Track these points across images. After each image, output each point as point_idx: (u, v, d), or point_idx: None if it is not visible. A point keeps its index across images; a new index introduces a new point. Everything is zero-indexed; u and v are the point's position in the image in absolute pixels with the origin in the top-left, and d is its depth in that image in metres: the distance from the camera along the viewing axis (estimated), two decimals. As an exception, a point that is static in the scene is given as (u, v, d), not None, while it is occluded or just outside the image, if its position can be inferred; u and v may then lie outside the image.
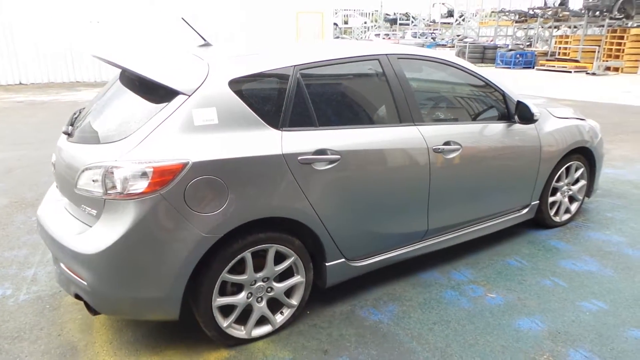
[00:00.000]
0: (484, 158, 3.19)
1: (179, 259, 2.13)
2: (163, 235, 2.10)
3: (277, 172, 2.31)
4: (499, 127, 3.27)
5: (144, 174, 2.03)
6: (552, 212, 3.88)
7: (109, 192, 2.08)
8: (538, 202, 3.72)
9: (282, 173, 2.33)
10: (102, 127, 2.37)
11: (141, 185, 2.03)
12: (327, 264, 2.63)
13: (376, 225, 2.77)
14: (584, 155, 3.94)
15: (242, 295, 2.40)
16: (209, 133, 2.18)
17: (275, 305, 2.55)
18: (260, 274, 2.41)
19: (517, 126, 3.34)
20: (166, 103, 2.18)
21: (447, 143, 2.94)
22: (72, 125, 2.59)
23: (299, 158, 2.37)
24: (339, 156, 2.48)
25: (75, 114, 2.73)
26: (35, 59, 14.33)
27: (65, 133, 2.55)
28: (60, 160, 2.50)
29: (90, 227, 2.19)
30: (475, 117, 3.32)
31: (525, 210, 3.64)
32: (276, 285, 2.50)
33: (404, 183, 2.81)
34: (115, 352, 2.44)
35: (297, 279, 2.55)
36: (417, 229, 2.99)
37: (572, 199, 4.03)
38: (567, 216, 4.02)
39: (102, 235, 2.09)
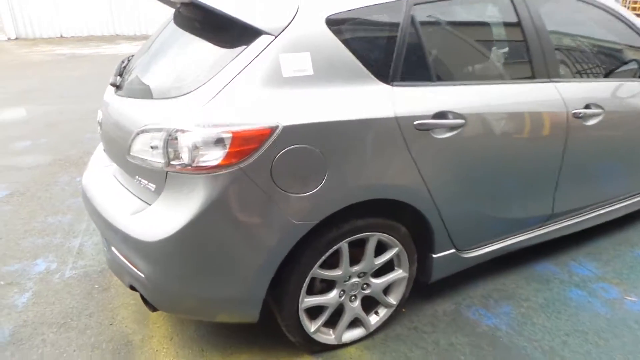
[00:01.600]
0: (627, 125, 2.50)
1: (262, 251, 1.64)
2: (243, 221, 1.60)
3: (387, 140, 1.74)
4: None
5: (219, 142, 1.51)
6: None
7: (172, 163, 1.58)
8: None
9: (393, 142, 1.76)
10: (160, 78, 1.84)
11: (216, 156, 1.52)
12: (434, 256, 2.10)
13: (496, 207, 2.19)
14: None
15: (334, 293, 1.91)
16: (302, 87, 1.62)
17: (368, 304, 2.06)
18: (356, 268, 1.90)
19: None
20: (244, 46, 1.62)
21: (587, 106, 2.28)
22: (120, 75, 2.08)
23: (416, 123, 1.78)
24: (463, 120, 1.88)
25: (123, 62, 2.21)
26: (75, 11, 13.97)
27: (114, 85, 2.04)
28: (107, 118, 2.01)
29: (149, 205, 1.71)
30: (615, 74, 2.60)
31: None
32: (374, 281, 1.99)
33: (533, 155, 2.19)
34: (177, 352, 2.03)
35: (398, 273, 2.03)
36: (540, 212, 2.39)
37: None
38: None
39: (163, 217, 1.61)
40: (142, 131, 1.67)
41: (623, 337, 2.11)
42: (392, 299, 2.08)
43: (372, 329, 2.08)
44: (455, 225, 2.06)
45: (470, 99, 1.94)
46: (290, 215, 1.62)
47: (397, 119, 1.74)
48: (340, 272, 1.86)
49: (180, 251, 1.59)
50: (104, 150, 2.18)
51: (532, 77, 2.16)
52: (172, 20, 2.06)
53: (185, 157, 1.54)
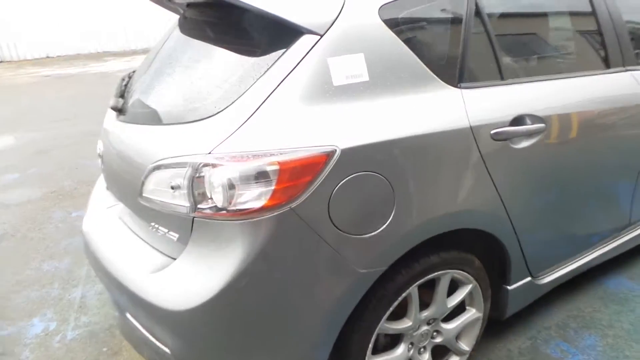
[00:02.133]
0: None
1: (322, 313, 1.29)
2: (297, 277, 1.24)
3: (461, 156, 1.41)
4: None
5: (262, 176, 1.16)
6: None
7: (200, 207, 1.23)
8: None
9: (468, 158, 1.42)
10: (172, 99, 1.49)
11: (258, 196, 1.17)
12: (509, 288, 1.76)
13: (574, 221, 1.86)
14: None
15: (402, 349, 1.55)
16: (357, 98, 1.28)
17: (436, 353, 1.71)
18: (425, 314, 1.55)
19: None
20: (280, 51, 1.28)
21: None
22: (122, 97, 1.73)
23: (493, 132, 1.45)
24: (542, 124, 1.54)
25: (124, 80, 1.86)
26: (60, 30, 13.61)
27: (115, 109, 1.69)
28: (110, 150, 1.66)
29: (172, 259, 1.36)
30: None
31: None
32: (445, 327, 1.64)
33: (616, 156, 1.87)
34: None
35: (471, 314, 1.69)
36: (617, 221, 2.07)
37: None
38: None
39: (194, 278, 1.25)
40: (158, 167, 1.32)
41: None
42: (465, 345, 1.73)
43: (445, 383, 1.73)
44: (533, 249, 1.73)
45: (548, 97, 1.61)
46: (354, 263, 1.27)
47: (472, 129, 1.40)
48: (410, 323, 1.51)
49: (218, 321, 1.24)
50: (107, 188, 1.82)
51: (606, 65, 1.84)
52: (178, 28, 1.72)
53: (217, 199, 1.19)
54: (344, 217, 1.23)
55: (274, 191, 1.16)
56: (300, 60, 1.25)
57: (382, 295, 1.38)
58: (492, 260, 1.69)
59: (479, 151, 1.42)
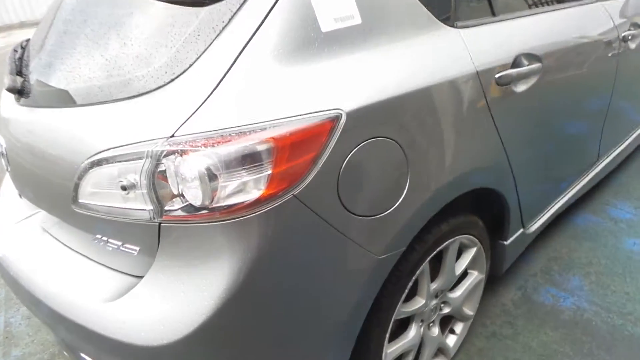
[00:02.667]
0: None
1: (341, 321, 1.06)
2: (309, 282, 0.99)
3: (469, 106, 1.21)
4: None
5: (252, 158, 0.87)
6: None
7: (167, 208, 0.92)
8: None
9: (476, 106, 1.23)
10: (100, 69, 1.10)
11: (251, 184, 0.88)
12: (506, 243, 1.65)
13: (559, 164, 1.78)
14: None
15: (414, 330, 1.38)
16: (352, 47, 1.01)
17: (442, 323, 1.57)
18: (434, 287, 1.39)
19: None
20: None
21: (634, 25, 1.92)
22: (19, 74, 1.31)
23: (497, 76, 1.26)
24: (539, 64, 1.39)
25: (16, 52, 1.41)
26: None
27: (13, 90, 1.26)
28: (17, 145, 1.24)
29: (137, 278, 1.04)
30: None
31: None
32: (452, 296, 1.50)
33: (592, 91, 1.80)
34: None
35: (474, 277, 1.56)
36: (589, 158, 2.04)
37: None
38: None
39: (174, 299, 0.95)
40: (97, 163, 0.97)
41: None
42: (469, 310, 1.60)
43: (453, 353, 1.60)
44: (528, 198, 1.62)
45: (540, 34, 1.45)
46: (372, 250, 1.05)
47: (478, 74, 1.20)
48: (423, 301, 1.34)
49: (214, 351, 0.96)
50: (20, 195, 1.41)
51: (581, -3, 1.73)
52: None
53: (192, 196, 0.89)
54: (356, 197, 0.99)
55: (271, 176, 0.88)
56: (275, 3, 0.95)
57: (397, 278, 1.18)
58: (489, 218, 1.55)
59: (485, 99, 1.24)
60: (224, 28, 0.95)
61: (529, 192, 1.60)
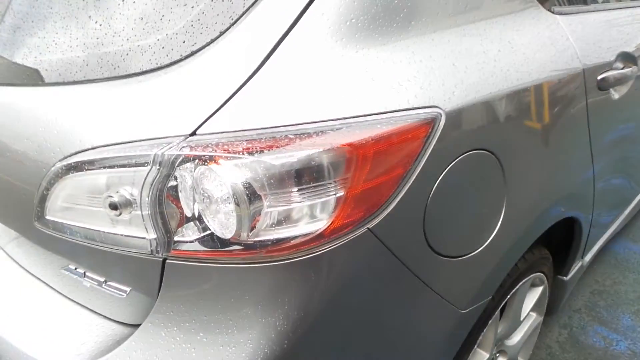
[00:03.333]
0: None
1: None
2: (373, 350, 0.71)
3: (571, 114, 0.93)
4: None
5: (317, 173, 0.58)
6: None
7: (178, 239, 0.62)
8: None
9: (577, 115, 0.96)
10: (84, 35, 0.77)
11: (312, 212, 0.59)
12: (566, 279, 1.39)
13: (624, 184, 1.53)
14: None
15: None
16: (441, 17, 0.73)
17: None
18: (498, 336, 1.12)
19: None
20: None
21: None
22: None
23: (599, 77, 1.00)
24: (635, 67, 1.13)
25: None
26: None
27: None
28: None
29: (129, 327, 0.73)
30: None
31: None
32: (509, 344, 1.22)
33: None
34: None
35: (533, 320, 1.29)
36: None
37: None
38: None
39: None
40: (74, 166, 0.66)
41: None
42: (523, 358, 1.34)
43: (501, 411, 1.34)
44: (596, 225, 1.36)
45: (633, 30, 1.20)
46: (455, 302, 0.76)
47: (584, 73, 0.94)
48: (487, 356, 1.07)
49: None
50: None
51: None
52: None
53: (219, 224, 0.59)
54: (445, 232, 0.71)
55: (344, 200, 0.59)
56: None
57: (473, 331, 0.90)
58: (556, 251, 1.29)
59: (586, 105, 0.97)
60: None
61: (599, 216, 1.35)
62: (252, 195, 0.57)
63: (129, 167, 0.61)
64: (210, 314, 0.64)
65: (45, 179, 0.70)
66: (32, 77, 0.80)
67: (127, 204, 0.63)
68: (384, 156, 0.60)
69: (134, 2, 0.72)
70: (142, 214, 0.62)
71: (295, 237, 0.59)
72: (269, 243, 0.59)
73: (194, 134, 0.59)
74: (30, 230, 0.79)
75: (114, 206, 0.63)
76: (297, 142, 0.56)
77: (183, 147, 0.58)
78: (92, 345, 0.75)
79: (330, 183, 0.58)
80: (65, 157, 0.67)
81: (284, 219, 0.58)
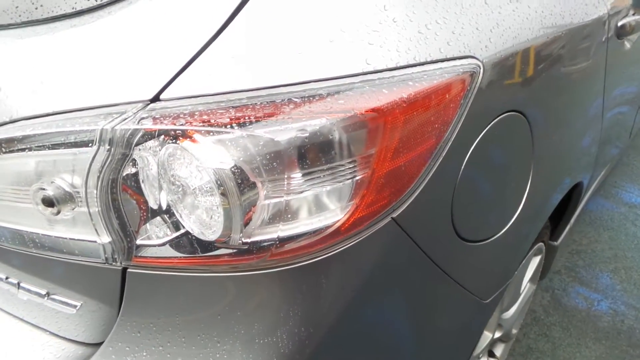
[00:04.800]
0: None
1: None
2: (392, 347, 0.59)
3: (592, 64, 0.82)
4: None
5: (332, 149, 0.43)
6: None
7: (141, 242, 0.46)
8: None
9: (597, 66, 0.85)
10: None
11: (325, 201, 0.44)
12: (556, 244, 1.33)
13: (615, 140, 1.47)
14: None
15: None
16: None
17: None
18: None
19: None
20: None
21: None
22: None
23: (620, 24, 0.88)
24: (645, 13, 1.03)
25: None
26: None
27: None
28: None
29: (79, 346, 0.58)
30: None
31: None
32: (505, 317, 1.16)
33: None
34: None
35: (527, 289, 1.23)
36: (629, 124, 1.76)
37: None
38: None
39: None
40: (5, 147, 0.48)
41: None
42: (515, 328, 1.29)
43: (493, 382, 1.29)
44: (590, 186, 1.30)
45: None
46: (478, 293, 0.65)
47: (609, 20, 0.82)
48: (491, 335, 0.99)
49: None
50: None
51: None
52: None
53: (203, 223, 0.44)
54: (472, 214, 0.59)
55: (367, 184, 0.44)
56: None
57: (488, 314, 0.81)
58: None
59: (606, 56, 0.86)
60: None
61: (594, 178, 1.28)
62: (244, 182, 0.41)
63: (67, 147, 0.44)
64: (191, 335, 0.49)
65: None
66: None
67: (67, 198, 0.46)
68: (416, 124, 0.45)
69: None
70: (88, 211, 0.45)
71: (302, 235, 0.44)
72: (268, 245, 0.44)
73: (156, 99, 0.42)
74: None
75: (48, 202, 0.46)
76: (305, 107, 0.41)
77: (142, 118, 0.41)
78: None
79: (350, 162, 0.43)
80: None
81: (287, 213, 0.43)
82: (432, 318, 0.60)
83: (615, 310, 1.57)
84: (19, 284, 0.60)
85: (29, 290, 0.60)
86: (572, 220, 1.45)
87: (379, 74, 0.44)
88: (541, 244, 1.06)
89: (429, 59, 0.47)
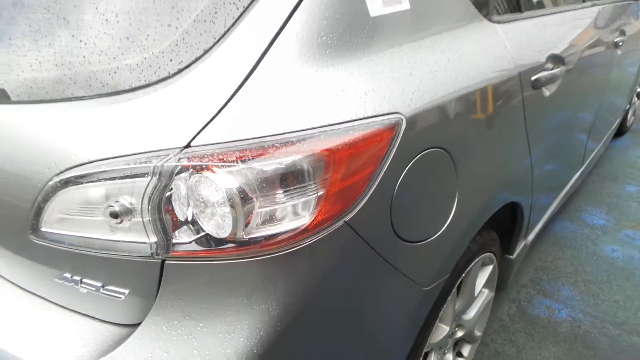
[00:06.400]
0: (631, 47, 2.22)
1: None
2: (351, 329, 0.80)
3: (509, 112, 1.07)
4: (633, 3, 2.29)
5: (301, 175, 0.66)
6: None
7: (177, 241, 0.69)
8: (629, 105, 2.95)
9: (514, 112, 1.10)
10: (74, 51, 0.80)
11: (296, 209, 0.68)
12: (512, 257, 1.55)
13: (560, 170, 1.72)
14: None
15: (434, 359, 1.24)
16: (401, 36, 0.83)
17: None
18: (456, 311, 1.25)
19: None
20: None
21: (621, 32, 1.91)
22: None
23: (533, 78, 1.14)
24: (563, 66, 1.29)
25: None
26: None
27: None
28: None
29: (121, 327, 0.79)
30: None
31: (620, 118, 2.85)
32: (466, 318, 1.36)
33: (590, 96, 1.75)
34: None
35: (486, 295, 1.44)
36: (578, 161, 2.01)
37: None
38: (632, 119, 3.38)
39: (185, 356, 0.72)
40: (71, 180, 0.71)
41: (691, 290, 1.90)
42: (478, 331, 1.49)
43: (462, 380, 1.48)
44: (536, 208, 1.53)
45: (561, 34, 1.36)
46: (420, 282, 0.88)
47: (520, 76, 1.07)
48: (447, 329, 1.20)
49: None
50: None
51: (583, 0, 1.67)
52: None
53: (214, 225, 0.67)
54: (408, 220, 0.82)
55: (324, 198, 0.68)
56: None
57: (432, 308, 1.02)
58: (503, 233, 1.44)
59: (523, 103, 1.11)
60: (249, 5, 0.73)
61: (538, 200, 1.51)
62: (245, 198, 0.65)
63: (129, 178, 0.67)
64: (209, 306, 0.71)
65: (42, 193, 0.74)
66: (16, 94, 0.84)
67: (128, 212, 0.69)
68: (356, 158, 0.69)
69: (118, 22, 0.78)
70: (142, 221, 0.68)
71: (283, 232, 0.67)
72: (261, 239, 0.67)
73: (188, 145, 0.66)
74: (21, 245, 0.83)
75: (115, 215, 0.69)
76: (283, 149, 0.65)
77: (180, 158, 0.65)
78: (93, 346, 0.80)
79: (312, 184, 0.66)
80: (62, 172, 0.72)
81: (273, 217, 0.66)
82: (382, 296, 0.82)
83: (574, 318, 1.77)
84: (80, 280, 0.82)
85: (88, 285, 0.82)
86: (530, 238, 1.68)
87: (331, 126, 0.68)
88: (490, 254, 1.28)
89: (366, 115, 0.71)
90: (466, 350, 1.49)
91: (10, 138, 0.80)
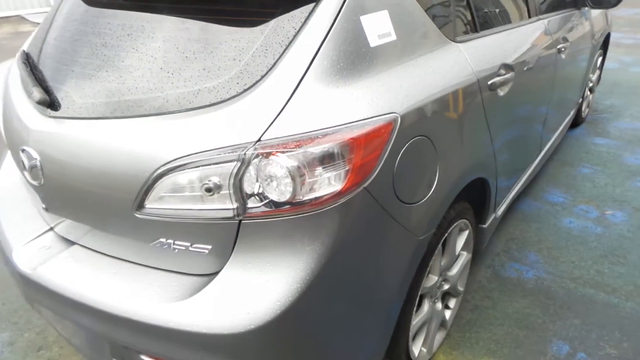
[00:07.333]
0: (575, 50, 2.64)
1: (394, 291, 1.22)
2: (371, 264, 1.14)
3: (472, 109, 1.44)
4: (576, 13, 2.71)
5: (334, 157, 1.00)
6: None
7: (250, 206, 1.02)
8: (581, 98, 3.38)
9: (476, 109, 1.46)
10: (164, 79, 1.14)
11: (332, 179, 1.01)
12: (484, 226, 1.91)
13: (520, 155, 2.10)
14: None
15: (426, 304, 1.58)
16: (391, 60, 1.19)
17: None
18: (442, 265, 1.60)
19: (587, 11, 2.83)
20: (308, 8, 1.09)
21: (564, 39, 2.30)
22: (41, 84, 1.30)
23: (489, 83, 1.51)
24: (513, 72, 1.67)
25: (30, 58, 1.39)
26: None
27: (44, 103, 1.25)
28: (58, 158, 1.23)
29: (204, 276, 1.11)
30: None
31: (574, 111, 3.27)
32: (450, 274, 1.72)
33: (538, 93, 2.14)
34: None
35: (465, 257, 1.80)
36: (536, 148, 2.39)
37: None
38: (586, 111, 3.81)
39: (256, 290, 1.04)
40: (174, 168, 1.04)
41: (633, 249, 2.29)
42: (461, 286, 1.84)
43: (450, 325, 1.83)
44: (501, 186, 1.90)
45: (513, 46, 1.74)
46: (415, 232, 1.22)
47: (478, 82, 1.44)
48: (436, 278, 1.54)
49: (294, 333, 1.07)
50: (49, 209, 1.37)
51: (529, 15, 2.05)
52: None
53: (276, 193, 1.00)
54: (405, 188, 1.16)
55: (349, 171, 1.02)
56: (335, 20, 1.09)
57: (425, 256, 1.37)
58: (474, 205, 1.80)
59: (482, 102, 1.47)
60: (290, 44, 1.07)
61: (502, 180, 1.88)
62: (299, 172, 0.98)
63: (219, 164, 1.00)
64: (274, 251, 1.04)
65: (151, 179, 1.06)
66: (122, 111, 1.14)
67: (217, 187, 1.01)
68: (369, 144, 1.03)
69: (196, 57, 1.11)
70: (229, 193, 1.01)
71: (323, 195, 1.01)
72: (309, 201, 1.00)
73: (259, 140, 0.99)
74: (119, 223, 1.14)
75: (208, 189, 1.01)
76: (323, 139, 0.99)
77: (256, 148, 0.98)
78: (183, 290, 1.11)
79: (342, 162, 1.00)
80: (165, 164, 1.04)
81: (318, 185, 1.00)
82: (387, 242, 1.16)
83: (538, 276, 2.14)
84: (173, 242, 1.14)
85: (179, 244, 1.13)
86: (499, 212, 2.04)
87: (352, 123, 1.02)
88: (465, 220, 1.64)
89: (374, 115, 1.06)
90: (452, 302, 1.84)
91: (115, 143, 1.11)
